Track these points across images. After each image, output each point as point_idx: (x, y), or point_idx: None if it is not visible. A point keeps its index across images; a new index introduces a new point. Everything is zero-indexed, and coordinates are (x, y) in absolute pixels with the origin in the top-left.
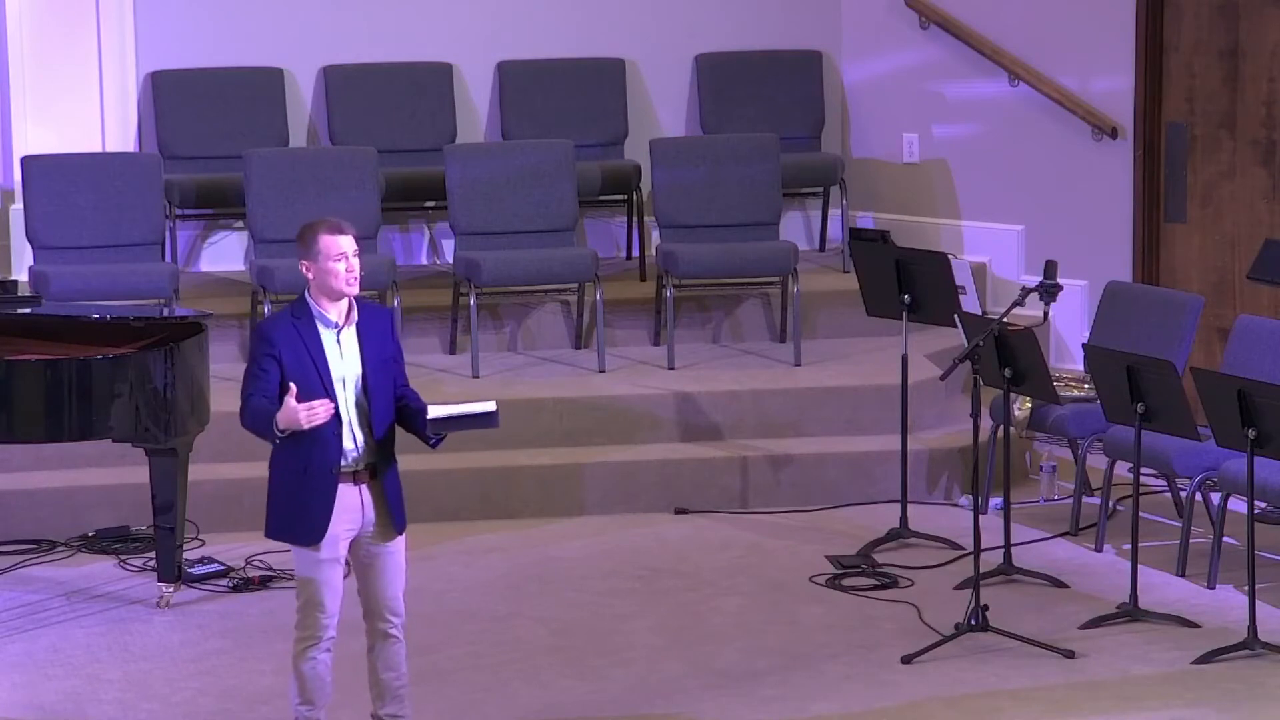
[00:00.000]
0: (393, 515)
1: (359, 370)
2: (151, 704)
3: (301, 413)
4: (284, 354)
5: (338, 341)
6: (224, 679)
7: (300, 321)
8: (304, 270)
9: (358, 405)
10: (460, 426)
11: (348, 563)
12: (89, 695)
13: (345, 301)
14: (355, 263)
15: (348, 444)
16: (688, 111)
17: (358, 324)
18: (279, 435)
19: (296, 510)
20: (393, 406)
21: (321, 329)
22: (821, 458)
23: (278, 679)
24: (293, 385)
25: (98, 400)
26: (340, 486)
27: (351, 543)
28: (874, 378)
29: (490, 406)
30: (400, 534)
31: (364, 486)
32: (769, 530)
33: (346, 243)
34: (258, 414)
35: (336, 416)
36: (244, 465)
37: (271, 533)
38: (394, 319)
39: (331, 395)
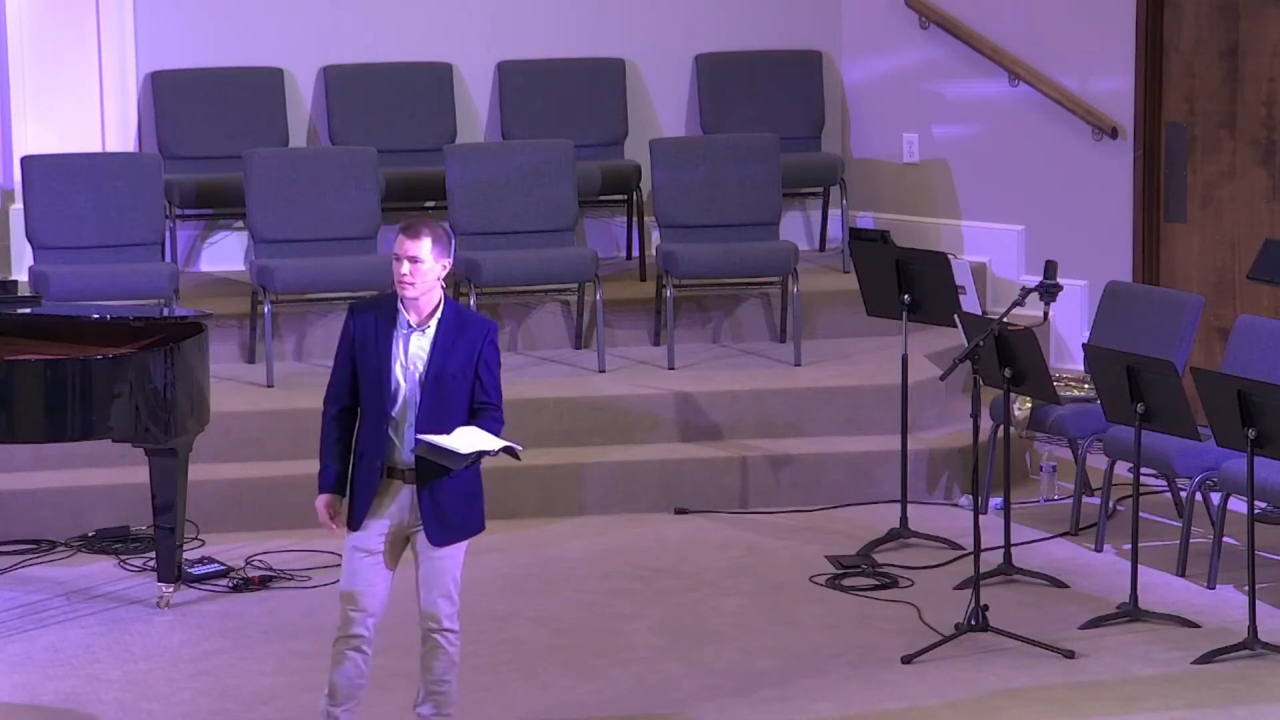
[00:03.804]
0: (424, 523)
1: (419, 374)
2: (151, 704)
3: (319, 513)
4: (357, 340)
5: (406, 341)
6: (224, 679)
7: (382, 313)
8: None
9: (408, 407)
10: (439, 458)
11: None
12: (89, 695)
13: (429, 303)
14: (411, 268)
15: (395, 442)
16: (688, 111)
17: (440, 329)
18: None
19: (350, 495)
20: (451, 417)
21: (396, 325)
22: (821, 458)
23: (278, 679)
24: (330, 500)
25: (98, 400)
26: (390, 482)
27: (406, 539)
28: (874, 378)
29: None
30: (438, 545)
31: (410, 487)
32: (769, 530)
33: (406, 245)
34: (321, 451)
35: (389, 413)
36: (244, 465)
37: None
38: (490, 334)
39: (388, 392)
